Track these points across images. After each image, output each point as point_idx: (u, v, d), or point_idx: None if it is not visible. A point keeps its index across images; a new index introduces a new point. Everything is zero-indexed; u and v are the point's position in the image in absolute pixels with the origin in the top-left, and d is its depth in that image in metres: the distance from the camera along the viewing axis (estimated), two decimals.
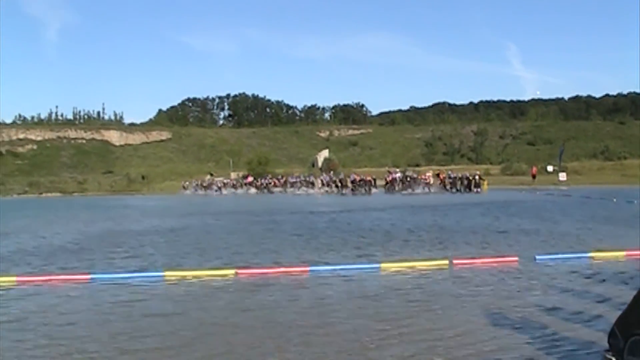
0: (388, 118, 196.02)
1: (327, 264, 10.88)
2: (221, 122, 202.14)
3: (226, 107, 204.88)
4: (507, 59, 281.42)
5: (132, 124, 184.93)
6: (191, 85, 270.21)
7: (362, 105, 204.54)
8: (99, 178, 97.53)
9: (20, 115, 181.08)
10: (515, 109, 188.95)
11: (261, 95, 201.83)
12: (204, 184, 75.19)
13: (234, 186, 74.09)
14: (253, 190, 69.98)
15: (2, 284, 9.52)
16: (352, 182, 56.41)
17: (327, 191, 59.39)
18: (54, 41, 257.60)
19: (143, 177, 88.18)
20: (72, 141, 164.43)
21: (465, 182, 53.31)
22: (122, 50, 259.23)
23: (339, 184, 59.31)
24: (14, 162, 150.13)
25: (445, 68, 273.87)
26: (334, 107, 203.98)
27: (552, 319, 6.55)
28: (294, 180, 67.65)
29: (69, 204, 44.86)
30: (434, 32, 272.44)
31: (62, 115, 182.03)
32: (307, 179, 66.79)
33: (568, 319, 6.53)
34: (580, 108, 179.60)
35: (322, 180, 63.08)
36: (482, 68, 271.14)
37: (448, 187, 53.78)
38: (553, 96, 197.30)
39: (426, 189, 52.31)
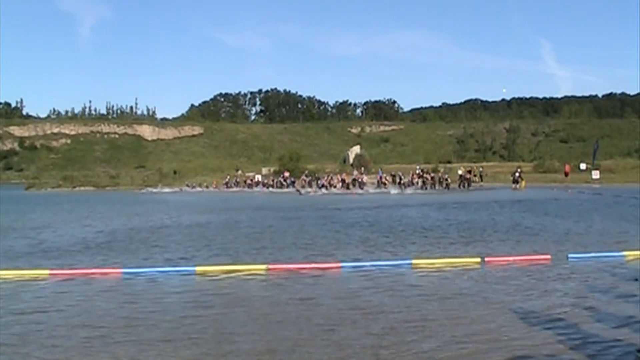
0: (420, 114, 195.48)
1: (359, 259, 10.89)
2: (253, 117, 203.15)
3: (258, 102, 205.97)
4: (541, 55, 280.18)
5: (164, 119, 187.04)
6: (223, 80, 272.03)
7: (394, 102, 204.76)
8: (131, 172, 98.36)
9: (54, 110, 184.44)
10: (548, 107, 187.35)
11: (293, 91, 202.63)
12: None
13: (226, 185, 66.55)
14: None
15: (35, 276, 9.70)
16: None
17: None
18: (88, 37, 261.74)
19: (175, 172, 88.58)
20: (105, 136, 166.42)
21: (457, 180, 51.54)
22: (155, 45, 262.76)
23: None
24: (49, 156, 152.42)
25: (477, 64, 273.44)
26: (365, 104, 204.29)
27: (584, 317, 6.52)
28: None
29: (103, 198, 45.30)
30: (467, 28, 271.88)
31: (95, 110, 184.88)
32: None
33: (600, 318, 6.48)
34: (614, 106, 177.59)
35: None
36: (515, 65, 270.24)
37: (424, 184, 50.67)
38: (587, 93, 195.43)
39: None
